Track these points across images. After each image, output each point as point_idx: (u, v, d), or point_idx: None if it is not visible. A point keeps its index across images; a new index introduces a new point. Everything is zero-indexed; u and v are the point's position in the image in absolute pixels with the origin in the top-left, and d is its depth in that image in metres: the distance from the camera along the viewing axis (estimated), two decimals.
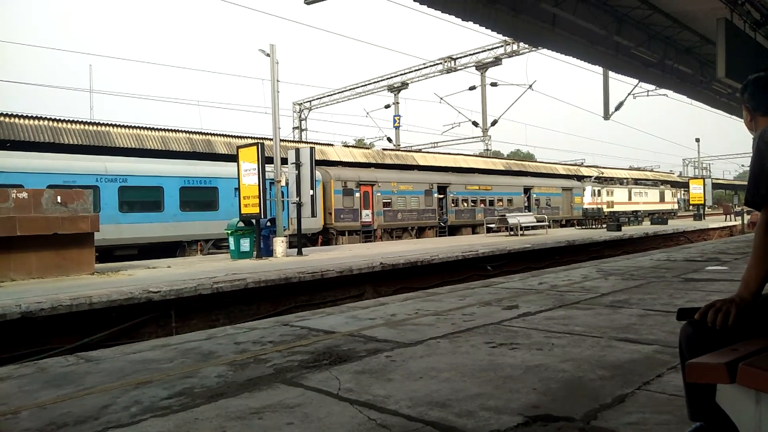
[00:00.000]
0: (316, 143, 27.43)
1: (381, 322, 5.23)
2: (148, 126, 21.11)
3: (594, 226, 28.10)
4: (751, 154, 1.86)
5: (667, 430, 2.39)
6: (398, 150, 33.35)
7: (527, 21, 13.01)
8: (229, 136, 23.35)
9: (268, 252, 14.17)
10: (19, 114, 17.92)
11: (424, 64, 34.15)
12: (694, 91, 20.49)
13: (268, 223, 14.39)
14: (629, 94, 22.14)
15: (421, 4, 10.93)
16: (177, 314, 8.60)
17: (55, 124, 18.72)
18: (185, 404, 2.97)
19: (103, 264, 12.78)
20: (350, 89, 37.81)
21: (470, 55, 32.13)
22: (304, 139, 36.18)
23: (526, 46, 26.43)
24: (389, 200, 25.16)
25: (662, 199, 47.48)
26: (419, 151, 34.22)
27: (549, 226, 25.55)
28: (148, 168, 17.36)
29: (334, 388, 3.15)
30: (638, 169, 58.35)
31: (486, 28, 12.52)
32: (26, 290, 8.57)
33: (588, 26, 13.64)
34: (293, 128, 39.96)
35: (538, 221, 24.10)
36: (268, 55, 15.00)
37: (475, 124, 33.89)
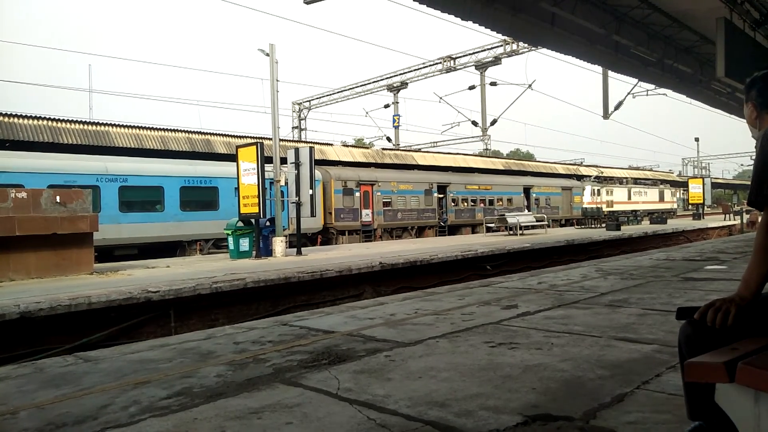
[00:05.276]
0: (316, 143, 27.42)
1: (380, 321, 5.22)
2: (147, 126, 21.11)
3: (593, 226, 28.07)
4: (754, 154, 1.85)
5: (666, 429, 2.39)
6: (398, 149, 33.35)
7: (526, 20, 13.02)
8: (228, 135, 23.34)
9: (268, 252, 14.16)
10: (19, 114, 17.91)
11: (423, 63, 34.16)
12: (693, 90, 20.49)
13: (268, 223, 14.38)
14: (629, 93, 22.20)
15: (420, 3, 10.93)
16: (176, 314, 8.60)
17: (55, 123, 18.71)
18: (184, 404, 2.97)
19: (102, 264, 12.77)
20: (350, 89, 37.82)
21: (470, 54, 32.16)
22: (303, 139, 36.19)
23: (526, 45, 26.45)
24: (389, 200, 25.15)
25: (661, 199, 47.46)
26: (419, 150, 34.23)
27: (548, 226, 25.53)
28: (148, 168, 17.36)
29: (334, 388, 3.15)
30: (638, 168, 58.31)
31: (485, 27, 12.53)
32: (25, 290, 8.57)
33: (587, 25, 13.65)
34: (293, 128, 39.97)
35: (537, 221, 24.08)
36: (267, 54, 15.00)
37: (474, 123, 33.92)
